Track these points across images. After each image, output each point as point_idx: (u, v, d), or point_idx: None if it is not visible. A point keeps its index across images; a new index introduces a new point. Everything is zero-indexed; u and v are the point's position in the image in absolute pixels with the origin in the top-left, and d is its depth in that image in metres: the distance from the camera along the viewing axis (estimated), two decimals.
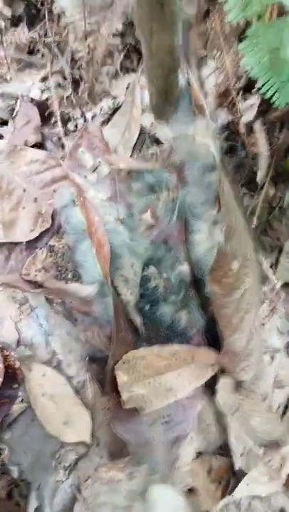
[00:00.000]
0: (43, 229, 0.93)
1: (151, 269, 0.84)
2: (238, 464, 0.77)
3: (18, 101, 1.26)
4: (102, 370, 0.83)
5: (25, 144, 1.08)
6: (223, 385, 0.80)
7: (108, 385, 0.74)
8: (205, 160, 0.79)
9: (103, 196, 0.89)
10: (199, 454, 0.79)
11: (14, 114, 1.24)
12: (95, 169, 0.95)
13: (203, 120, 0.76)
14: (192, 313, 0.84)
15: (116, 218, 0.85)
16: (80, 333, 0.87)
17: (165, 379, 0.77)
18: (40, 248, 0.92)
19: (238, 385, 0.82)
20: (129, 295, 0.81)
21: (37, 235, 0.93)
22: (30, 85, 1.34)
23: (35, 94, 1.29)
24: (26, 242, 0.93)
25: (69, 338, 0.86)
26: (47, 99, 1.29)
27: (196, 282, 0.85)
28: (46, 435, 0.77)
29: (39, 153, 1.00)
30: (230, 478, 0.78)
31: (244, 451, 0.77)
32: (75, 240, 0.89)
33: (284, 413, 0.87)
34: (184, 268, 0.83)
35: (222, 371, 0.81)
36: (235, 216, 0.80)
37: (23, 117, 1.20)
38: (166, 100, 0.77)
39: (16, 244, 0.92)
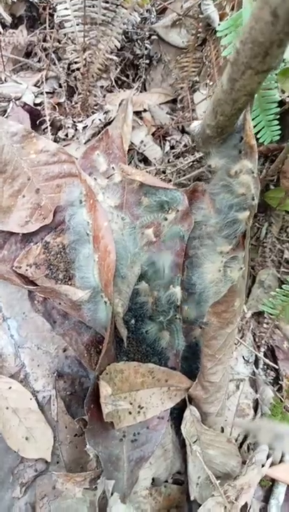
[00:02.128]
0: (43, 224, 0.91)
1: (143, 285, 0.84)
2: (194, 493, 0.78)
3: (11, 104, 1.24)
4: (68, 386, 0.84)
5: None
6: (190, 413, 0.81)
7: (90, 396, 0.72)
8: (239, 198, 0.78)
9: (111, 203, 0.88)
10: (153, 480, 0.80)
11: (5, 116, 1.23)
12: (110, 176, 0.93)
13: (250, 161, 0.75)
14: (174, 335, 0.85)
15: (120, 228, 0.83)
16: (51, 345, 0.87)
17: (139, 396, 0.78)
18: (36, 243, 0.91)
19: (204, 416, 0.83)
20: (120, 307, 0.80)
21: (35, 228, 0.90)
22: (24, 88, 1.32)
23: (29, 98, 1.28)
24: (22, 234, 0.91)
25: (39, 351, 0.86)
26: (40, 104, 1.29)
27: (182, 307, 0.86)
28: (6, 449, 0.76)
29: (51, 145, 0.98)
30: (183, 506, 0.80)
31: (199, 481, 0.79)
32: (76, 242, 0.87)
33: (243, 442, 0.89)
34: (177, 291, 0.83)
35: (190, 400, 0.82)
36: (248, 259, 0.82)
37: (15, 121, 1.19)
38: (219, 135, 0.77)
39: (12, 234, 0.90)
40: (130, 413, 0.77)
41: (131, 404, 0.77)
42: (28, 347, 0.85)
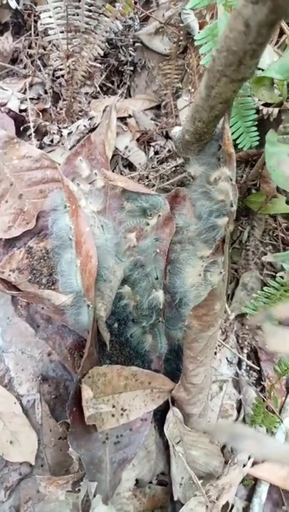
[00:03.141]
0: (26, 229, 0.91)
1: (126, 288, 0.85)
2: (177, 494, 0.79)
3: None
4: (53, 390, 0.84)
5: None
6: (173, 415, 0.82)
7: (72, 399, 0.73)
8: (218, 204, 0.79)
9: (94, 208, 0.89)
10: (137, 481, 0.81)
11: None
12: (92, 181, 0.94)
13: (229, 168, 0.77)
14: (157, 338, 0.86)
15: (102, 232, 0.84)
16: (35, 350, 0.88)
17: (122, 399, 0.79)
18: (19, 248, 0.91)
19: (186, 417, 0.84)
20: (103, 311, 0.81)
21: (18, 233, 0.91)
22: (9, 94, 1.33)
23: (14, 104, 1.29)
24: (5, 239, 0.91)
25: (24, 356, 0.86)
26: (25, 110, 1.30)
27: (165, 310, 0.87)
28: None
29: (34, 151, 0.99)
30: (167, 507, 0.81)
31: (182, 482, 0.80)
32: (59, 247, 0.88)
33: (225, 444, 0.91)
34: (159, 294, 0.84)
35: (172, 401, 0.84)
36: (228, 263, 0.84)
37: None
38: (197, 141, 0.79)
39: None
40: (113, 415, 0.77)
41: (114, 406, 0.78)
42: (12, 351, 0.86)
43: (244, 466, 0.84)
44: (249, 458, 0.85)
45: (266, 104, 0.87)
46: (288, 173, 0.71)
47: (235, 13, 0.49)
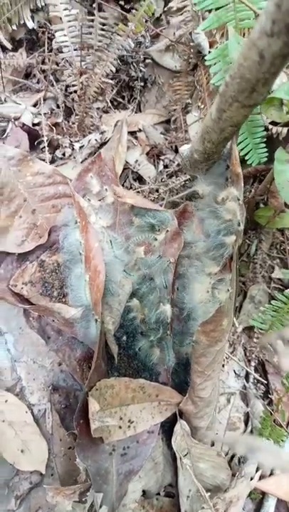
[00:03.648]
0: (38, 243, 0.94)
1: (134, 302, 0.86)
2: (184, 506, 0.80)
3: (10, 124, 1.29)
4: (63, 400, 0.86)
5: None
6: (181, 427, 0.83)
7: (79, 411, 0.74)
8: (226, 223, 0.81)
9: (104, 223, 0.91)
10: (144, 492, 0.81)
11: (4, 135, 1.27)
12: (102, 197, 0.96)
13: (236, 188, 0.79)
14: (165, 351, 0.87)
15: (111, 247, 0.86)
16: (46, 360, 0.89)
17: (130, 411, 0.80)
18: (32, 261, 0.94)
19: (194, 430, 0.85)
20: (111, 324, 0.82)
21: (31, 248, 0.93)
22: (23, 108, 1.37)
23: (27, 118, 1.32)
24: (18, 253, 0.94)
25: (35, 365, 0.88)
26: (38, 124, 1.33)
27: (174, 324, 0.88)
28: (2, 462, 0.78)
29: (47, 167, 1.03)
30: None
31: (190, 494, 0.80)
32: (69, 261, 0.90)
33: (234, 456, 0.91)
34: (167, 308, 0.85)
35: (180, 414, 0.84)
36: (236, 279, 0.85)
37: (13, 141, 1.23)
38: (205, 160, 0.81)
39: (8, 254, 0.93)
40: (120, 427, 0.78)
41: (121, 419, 0.79)
42: (24, 361, 0.87)
43: (251, 479, 0.84)
44: (257, 471, 0.86)
45: (274, 123, 0.89)
46: None
47: (250, 43, 0.51)
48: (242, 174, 0.76)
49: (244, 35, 0.98)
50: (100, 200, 0.97)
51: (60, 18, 1.14)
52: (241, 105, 0.60)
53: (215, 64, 0.86)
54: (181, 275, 0.90)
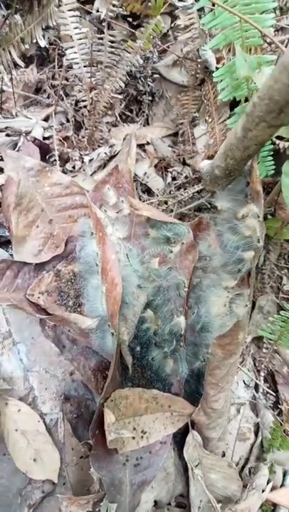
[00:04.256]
0: (55, 253, 0.95)
1: (149, 313, 0.87)
2: None
3: (21, 138, 1.32)
4: (75, 409, 0.87)
5: None
6: (193, 438, 0.84)
7: (95, 422, 0.75)
8: (245, 239, 0.82)
9: (120, 235, 0.92)
10: (155, 503, 0.82)
11: (16, 149, 1.30)
12: (119, 210, 0.98)
13: (256, 206, 0.80)
14: (178, 363, 0.87)
15: (126, 258, 0.87)
16: (58, 369, 0.91)
17: (143, 421, 0.80)
18: (48, 271, 0.95)
19: (206, 440, 0.85)
20: (126, 335, 0.82)
21: (48, 258, 0.95)
22: (34, 123, 1.40)
23: (38, 132, 1.36)
24: (36, 263, 0.95)
25: (47, 375, 0.89)
26: (49, 138, 1.36)
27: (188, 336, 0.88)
28: (15, 471, 0.79)
29: (65, 178, 1.04)
30: None
31: (201, 505, 0.81)
32: (86, 271, 0.91)
33: (244, 466, 0.91)
34: (181, 320, 0.86)
35: (192, 425, 0.85)
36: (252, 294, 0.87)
37: (25, 155, 1.26)
38: (226, 176, 0.83)
39: (26, 263, 0.94)
40: (134, 438, 0.79)
41: (134, 429, 0.79)
42: (36, 371, 0.89)
43: (263, 491, 0.84)
44: (268, 483, 0.86)
45: (280, 138, 0.91)
46: None
47: (282, 67, 0.53)
48: (262, 192, 0.78)
49: (250, 52, 1.01)
50: (117, 212, 0.98)
51: (71, 37, 1.17)
52: (268, 125, 0.62)
53: (222, 80, 0.89)
54: (196, 287, 0.91)
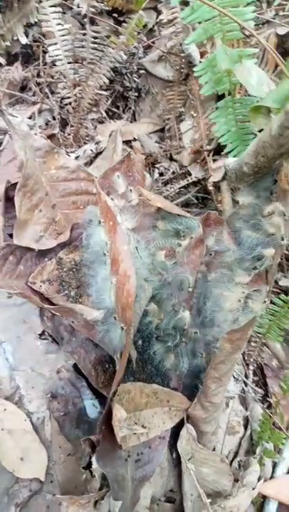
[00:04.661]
0: (59, 241, 0.92)
1: (152, 306, 0.86)
2: (188, 510, 0.80)
3: (6, 136, 1.31)
4: (62, 407, 0.86)
5: (8, 182, 1.10)
6: (187, 432, 0.84)
7: (104, 416, 0.74)
8: (269, 237, 0.81)
9: (128, 225, 0.87)
10: (151, 498, 0.81)
11: (1, 148, 1.29)
12: (130, 200, 0.94)
13: (283, 204, 0.79)
14: (179, 357, 0.87)
15: (135, 250, 0.83)
16: (45, 368, 0.90)
17: (143, 416, 0.80)
18: (50, 258, 0.92)
19: (200, 434, 0.85)
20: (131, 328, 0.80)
21: (51, 245, 0.92)
22: (19, 121, 1.39)
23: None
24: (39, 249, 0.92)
25: (34, 373, 0.89)
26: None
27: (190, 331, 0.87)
28: (2, 470, 0.78)
29: (72, 162, 1.01)
30: None
31: (192, 499, 0.81)
32: (93, 261, 0.87)
33: (233, 459, 0.92)
34: (186, 315, 0.84)
35: (187, 419, 0.85)
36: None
37: (9, 153, 1.25)
38: (255, 173, 0.81)
39: (28, 249, 0.92)
40: (135, 433, 0.78)
41: (135, 424, 0.79)
42: (22, 370, 0.88)
43: (253, 489, 0.84)
44: (259, 480, 0.86)
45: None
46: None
47: None
48: None
49: (233, 46, 1.01)
50: (128, 202, 0.95)
51: (54, 33, 1.16)
52: None
53: (204, 74, 0.89)
54: (203, 282, 0.89)
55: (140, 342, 0.87)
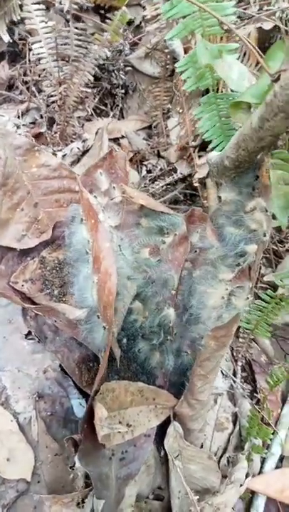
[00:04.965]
0: (41, 239, 0.91)
1: (137, 304, 0.85)
2: (175, 508, 0.80)
3: None
4: (49, 407, 0.86)
5: None
6: (174, 429, 0.84)
7: (85, 415, 0.73)
8: (251, 233, 0.81)
9: (111, 223, 0.88)
10: (137, 496, 0.81)
11: None
12: (111, 197, 0.93)
13: (264, 199, 0.78)
14: (164, 355, 0.86)
15: (118, 248, 0.83)
16: (31, 368, 0.90)
17: (128, 414, 0.79)
18: (33, 257, 0.92)
19: (187, 432, 0.85)
20: (114, 326, 0.80)
21: (33, 244, 0.91)
22: (6, 120, 1.38)
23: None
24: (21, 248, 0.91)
25: (20, 374, 0.88)
26: (20, 135, 1.34)
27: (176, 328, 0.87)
28: None
29: (53, 160, 0.99)
30: None
31: (180, 496, 0.81)
32: (75, 260, 0.86)
33: (222, 456, 0.92)
34: (171, 312, 0.84)
35: (173, 416, 0.85)
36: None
37: None
38: (236, 168, 0.80)
39: (10, 248, 0.90)
40: (119, 432, 0.78)
41: (120, 422, 0.78)
42: (8, 370, 0.88)
43: (241, 485, 0.84)
44: (246, 476, 0.86)
45: None
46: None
47: None
48: (271, 186, 0.76)
49: (216, 41, 1.00)
50: (111, 199, 0.94)
51: (37, 30, 1.16)
52: (286, 116, 0.60)
53: (186, 70, 0.88)
54: (186, 279, 0.89)
55: (125, 340, 0.86)
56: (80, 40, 1.15)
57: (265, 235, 0.79)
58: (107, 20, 1.12)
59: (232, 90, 0.89)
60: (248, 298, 0.81)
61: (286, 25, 1.04)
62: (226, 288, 0.82)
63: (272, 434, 0.92)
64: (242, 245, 0.81)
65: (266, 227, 0.79)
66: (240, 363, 1.03)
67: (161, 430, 0.85)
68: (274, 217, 0.78)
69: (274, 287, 1.11)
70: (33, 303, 0.87)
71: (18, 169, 0.95)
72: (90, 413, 0.75)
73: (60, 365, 0.90)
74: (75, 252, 0.86)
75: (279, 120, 0.62)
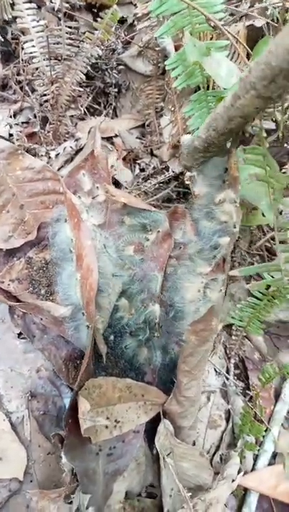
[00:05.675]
0: (27, 239, 0.94)
1: (123, 301, 0.87)
2: (167, 506, 0.80)
3: None
4: (42, 406, 0.86)
5: None
6: (164, 427, 0.84)
7: (69, 410, 0.74)
8: (222, 225, 0.82)
9: (95, 221, 0.91)
10: (126, 493, 0.81)
11: None
12: (94, 196, 0.96)
13: (233, 191, 0.79)
14: (152, 351, 0.87)
15: (102, 246, 0.85)
16: (24, 367, 0.90)
17: (116, 411, 0.80)
18: (19, 258, 0.93)
19: (178, 429, 0.85)
20: (100, 323, 0.82)
21: (19, 244, 0.93)
22: None
23: (3, 130, 1.34)
24: (6, 249, 0.93)
25: (13, 373, 0.89)
26: (11, 135, 1.34)
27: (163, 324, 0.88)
28: None
29: (37, 162, 1.02)
30: None
31: (172, 493, 0.81)
32: (60, 259, 0.89)
33: (215, 453, 0.92)
34: (156, 308, 0.86)
35: (164, 414, 0.85)
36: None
37: None
38: (204, 150, 0.80)
39: None
40: (107, 427, 0.78)
41: (108, 418, 0.79)
42: (1, 369, 0.88)
43: (233, 481, 0.84)
44: (239, 472, 0.86)
45: None
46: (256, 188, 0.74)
47: (286, 31, 0.52)
48: (239, 178, 0.76)
49: (207, 39, 1.00)
50: (93, 198, 0.96)
51: (29, 29, 1.15)
52: (257, 94, 0.60)
53: (176, 68, 0.88)
54: (171, 275, 0.90)
55: (112, 337, 0.87)
56: (71, 38, 1.15)
57: (235, 227, 0.80)
58: (98, 19, 1.12)
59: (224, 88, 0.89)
60: (221, 290, 0.82)
61: (276, 22, 1.04)
62: (202, 281, 0.83)
63: (265, 431, 0.92)
64: (216, 238, 0.82)
65: (236, 219, 0.79)
66: (233, 361, 1.03)
67: (152, 428, 0.85)
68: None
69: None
70: (18, 301, 0.87)
71: (3, 172, 0.97)
72: (74, 408, 0.75)
73: None
74: (59, 252, 0.88)
75: (249, 98, 0.62)
